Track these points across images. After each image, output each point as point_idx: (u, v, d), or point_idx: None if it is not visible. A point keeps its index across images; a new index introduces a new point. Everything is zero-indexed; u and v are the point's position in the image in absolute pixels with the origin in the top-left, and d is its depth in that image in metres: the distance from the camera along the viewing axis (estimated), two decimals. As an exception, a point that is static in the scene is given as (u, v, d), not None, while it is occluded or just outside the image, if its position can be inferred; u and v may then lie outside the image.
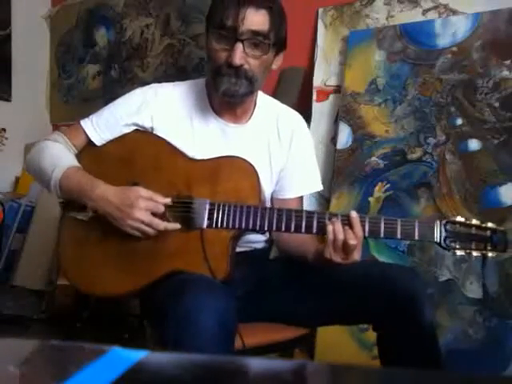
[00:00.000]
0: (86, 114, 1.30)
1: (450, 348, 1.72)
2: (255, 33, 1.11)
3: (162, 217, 1.13)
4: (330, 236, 1.06)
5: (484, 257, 1.05)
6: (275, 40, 1.15)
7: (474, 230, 1.06)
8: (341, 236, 1.06)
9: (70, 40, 3.23)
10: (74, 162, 1.23)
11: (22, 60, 3.14)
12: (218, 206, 1.14)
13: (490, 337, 1.68)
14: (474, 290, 1.72)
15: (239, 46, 1.11)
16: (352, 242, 1.05)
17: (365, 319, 1.20)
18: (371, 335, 1.22)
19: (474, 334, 1.70)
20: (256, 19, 1.11)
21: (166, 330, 0.97)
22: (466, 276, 1.75)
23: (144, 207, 1.11)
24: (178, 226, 1.14)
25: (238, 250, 1.21)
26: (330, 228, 1.07)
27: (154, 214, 1.12)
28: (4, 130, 2.87)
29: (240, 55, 1.11)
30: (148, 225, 1.11)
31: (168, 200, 1.14)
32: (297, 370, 0.40)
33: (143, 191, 1.13)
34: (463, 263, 1.76)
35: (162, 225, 1.12)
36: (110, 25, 3.04)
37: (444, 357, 1.66)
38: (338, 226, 1.07)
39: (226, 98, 1.18)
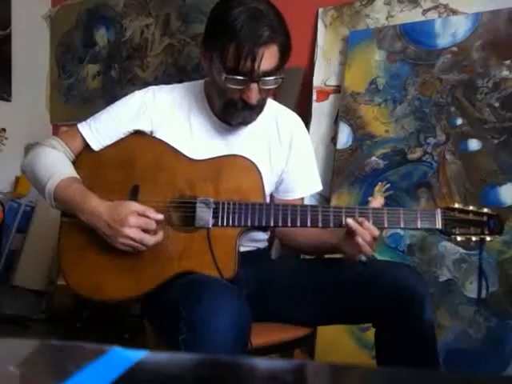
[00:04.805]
0: (86, 115, 1.29)
1: (450, 348, 1.72)
2: (268, 73, 1.11)
3: (154, 230, 1.12)
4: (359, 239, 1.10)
5: (482, 241, 1.10)
6: (284, 64, 1.15)
7: (471, 216, 1.11)
8: (368, 238, 1.09)
9: (70, 40, 3.23)
10: (70, 172, 1.20)
11: (22, 60, 3.14)
12: (223, 204, 1.14)
13: (490, 337, 1.68)
14: (474, 290, 1.72)
15: (255, 87, 1.12)
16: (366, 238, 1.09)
17: (367, 317, 1.21)
18: (371, 335, 1.22)
19: (474, 334, 1.70)
20: (268, 60, 1.10)
21: (178, 332, 0.95)
22: (465, 276, 1.75)
23: (134, 224, 1.09)
24: (161, 235, 1.12)
25: (242, 249, 1.21)
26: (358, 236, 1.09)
27: (146, 230, 1.11)
28: (4, 129, 2.87)
29: (256, 95, 1.13)
30: (139, 242, 1.10)
31: (161, 216, 1.12)
32: (297, 369, 0.40)
33: (136, 206, 1.11)
34: (463, 263, 1.76)
35: (153, 240, 1.11)
36: (109, 25, 3.04)
37: (444, 357, 1.68)
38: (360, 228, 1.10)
39: (239, 126, 1.22)
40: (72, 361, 0.39)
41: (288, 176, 1.32)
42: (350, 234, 1.11)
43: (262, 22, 1.07)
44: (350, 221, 1.10)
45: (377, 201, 1.15)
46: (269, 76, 1.11)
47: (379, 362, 1.18)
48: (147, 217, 1.10)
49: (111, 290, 1.17)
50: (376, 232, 1.09)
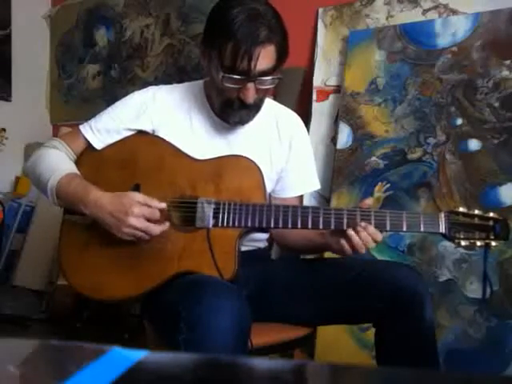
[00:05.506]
0: (86, 115, 1.30)
1: (450, 348, 1.72)
2: (265, 72, 1.11)
3: (158, 220, 1.12)
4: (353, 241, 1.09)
5: (487, 246, 1.07)
6: (281, 65, 1.16)
7: (476, 220, 1.08)
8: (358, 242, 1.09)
9: (70, 40, 3.23)
10: (72, 169, 1.21)
11: (22, 60, 3.14)
12: (224, 205, 1.14)
13: (490, 337, 1.68)
14: (474, 290, 1.72)
15: (251, 87, 1.12)
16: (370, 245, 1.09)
17: (367, 317, 1.21)
18: (371, 335, 1.22)
19: (474, 334, 1.70)
20: (265, 60, 1.10)
21: (178, 332, 0.95)
22: (466, 276, 1.75)
23: (138, 214, 1.09)
24: (167, 224, 1.12)
25: (242, 248, 1.21)
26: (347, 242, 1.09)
27: (150, 220, 1.11)
28: (4, 129, 2.87)
29: (252, 95, 1.13)
30: (143, 231, 1.10)
31: (164, 205, 1.12)
32: (297, 369, 0.40)
33: (138, 196, 1.11)
34: (463, 263, 1.76)
35: (158, 229, 1.11)
36: (109, 25, 3.04)
37: (444, 357, 1.68)
38: (356, 237, 1.09)
39: (236, 125, 1.22)
40: (72, 361, 0.39)
41: (287, 175, 1.32)
42: (337, 231, 1.11)
43: (259, 22, 1.08)
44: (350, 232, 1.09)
45: (365, 202, 1.13)
46: (265, 76, 1.12)
47: (379, 362, 1.18)
48: (149, 206, 1.11)
49: (111, 288, 1.17)
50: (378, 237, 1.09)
